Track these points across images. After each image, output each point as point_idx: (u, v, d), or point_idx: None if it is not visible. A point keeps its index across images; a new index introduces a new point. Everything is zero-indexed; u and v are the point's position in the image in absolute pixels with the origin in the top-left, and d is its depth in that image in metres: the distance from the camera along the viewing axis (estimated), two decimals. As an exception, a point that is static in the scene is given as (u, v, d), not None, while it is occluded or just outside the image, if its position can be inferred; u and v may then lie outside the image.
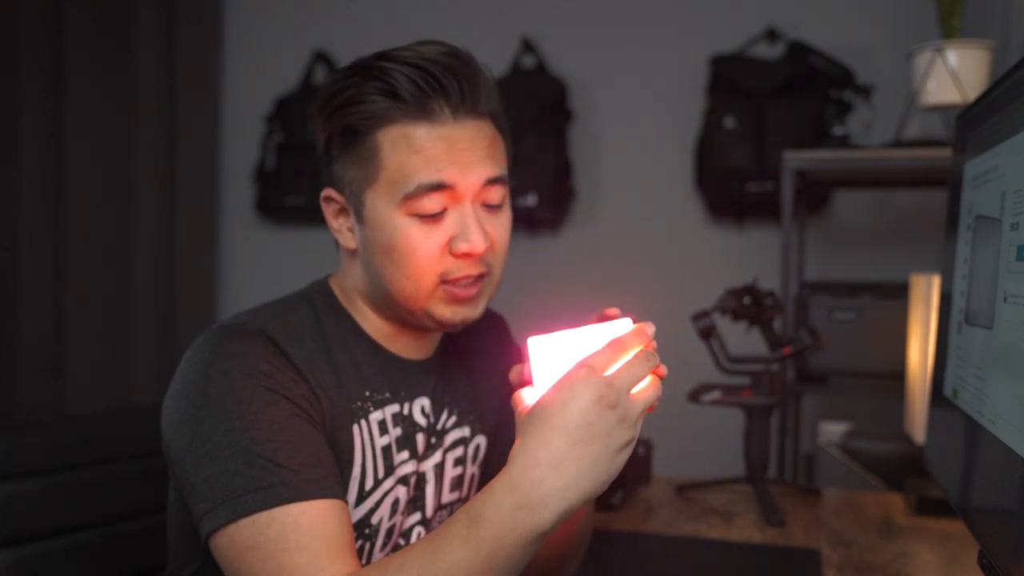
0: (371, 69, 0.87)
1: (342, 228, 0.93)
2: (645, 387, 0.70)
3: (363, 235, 0.90)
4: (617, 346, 0.70)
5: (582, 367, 0.69)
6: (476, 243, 0.87)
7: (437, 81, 0.86)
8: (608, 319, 0.76)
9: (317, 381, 0.87)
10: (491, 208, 0.91)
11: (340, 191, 0.92)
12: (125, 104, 2.83)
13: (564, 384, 0.69)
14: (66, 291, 2.87)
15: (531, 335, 0.72)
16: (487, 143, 0.89)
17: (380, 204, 0.87)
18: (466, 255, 0.87)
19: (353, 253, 0.94)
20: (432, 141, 0.86)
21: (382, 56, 0.88)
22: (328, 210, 0.94)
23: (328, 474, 0.82)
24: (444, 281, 0.88)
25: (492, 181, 0.89)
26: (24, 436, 1.03)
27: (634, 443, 0.70)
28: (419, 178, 0.85)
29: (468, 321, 0.92)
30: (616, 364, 0.70)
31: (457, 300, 0.90)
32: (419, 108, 0.86)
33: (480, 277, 0.90)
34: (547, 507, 0.68)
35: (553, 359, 0.72)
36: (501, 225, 0.92)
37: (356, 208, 0.90)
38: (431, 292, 0.89)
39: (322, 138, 0.92)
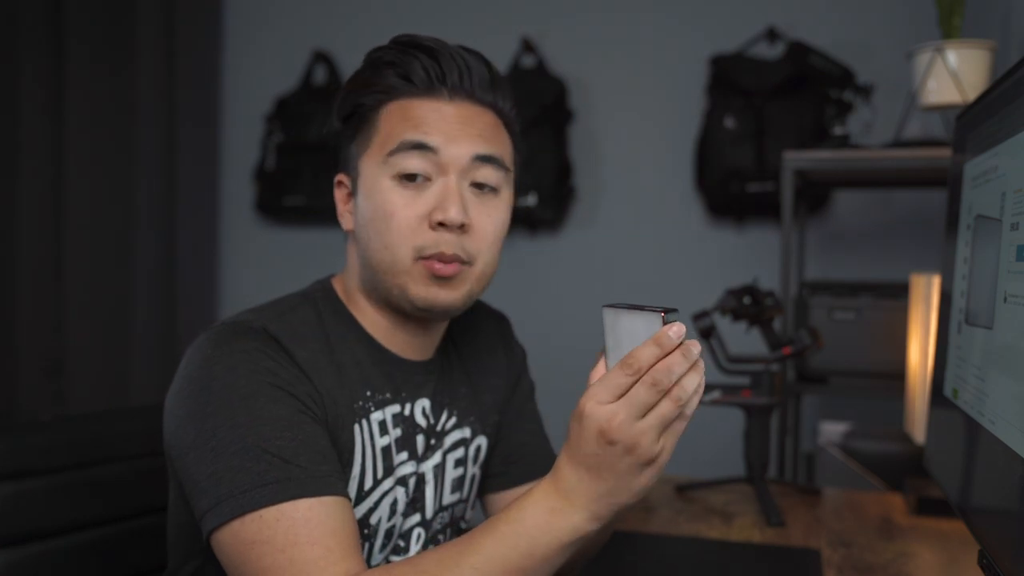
0: (386, 53, 0.92)
1: (345, 212, 0.95)
2: (659, 410, 0.66)
3: (357, 208, 0.92)
4: (625, 369, 0.66)
5: (587, 400, 0.68)
6: (453, 215, 0.86)
7: (439, 64, 0.90)
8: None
9: (320, 380, 0.87)
10: (481, 190, 0.91)
11: (347, 174, 0.95)
12: (125, 104, 2.83)
13: (575, 414, 0.69)
14: (66, 291, 2.87)
15: (605, 305, 0.71)
16: (481, 126, 0.91)
17: (371, 168, 0.90)
18: (441, 224, 0.87)
19: (352, 236, 0.95)
20: (424, 111, 0.89)
21: (397, 40, 0.93)
22: (339, 195, 0.96)
23: (333, 471, 0.82)
24: (419, 257, 0.88)
25: (482, 159, 0.89)
26: (24, 436, 1.03)
27: (659, 458, 0.68)
28: (402, 136, 0.88)
29: (446, 307, 0.90)
30: (623, 388, 0.67)
31: (433, 277, 0.88)
32: (422, 87, 0.90)
33: (457, 261, 0.89)
34: (579, 514, 0.70)
35: (622, 331, 0.70)
36: (489, 213, 0.91)
37: (355, 181, 0.93)
38: (407, 267, 0.88)
39: (336, 125, 0.95)
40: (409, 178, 0.88)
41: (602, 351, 0.75)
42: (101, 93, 2.85)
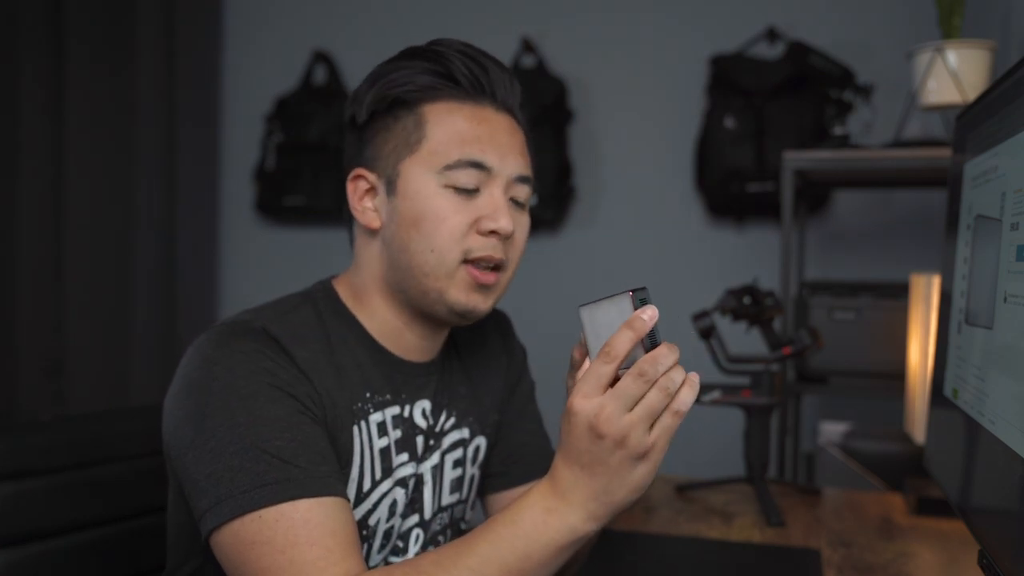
0: (425, 52, 0.92)
1: (366, 209, 0.94)
2: (647, 400, 0.67)
3: (392, 207, 0.91)
4: (604, 358, 0.68)
5: (574, 396, 0.69)
6: (504, 224, 0.89)
7: (486, 71, 0.91)
8: None
9: (320, 381, 0.87)
10: (517, 205, 0.94)
11: (372, 169, 0.93)
12: (125, 104, 2.83)
13: (565, 413, 0.70)
14: (66, 291, 2.87)
15: (580, 306, 0.71)
16: (519, 144, 0.94)
17: (418, 172, 0.90)
18: (493, 233, 0.89)
19: (374, 234, 0.94)
20: (477, 122, 0.90)
21: (435, 42, 0.93)
22: (354, 191, 0.94)
23: (333, 472, 0.82)
24: (466, 260, 0.89)
25: (522, 179, 0.93)
26: (24, 436, 1.03)
27: (651, 453, 0.68)
28: (462, 152, 0.89)
29: (477, 313, 0.92)
30: (608, 379, 0.68)
31: (475, 284, 0.90)
32: (468, 90, 0.90)
33: (498, 267, 0.91)
34: (575, 514, 0.70)
35: (599, 324, 0.71)
36: (522, 225, 0.95)
37: (390, 180, 0.91)
38: (452, 270, 0.89)
39: (364, 116, 0.93)
40: (462, 190, 0.89)
41: (578, 346, 0.76)
42: (101, 93, 2.85)
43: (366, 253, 0.95)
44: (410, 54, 0.93)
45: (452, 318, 0.93)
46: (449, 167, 0.89)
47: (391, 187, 0.91)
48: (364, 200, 0.94)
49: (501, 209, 0.90)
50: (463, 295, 0.90)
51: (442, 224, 0.88)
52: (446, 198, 0.89)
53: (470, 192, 0.89)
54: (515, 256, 0.94)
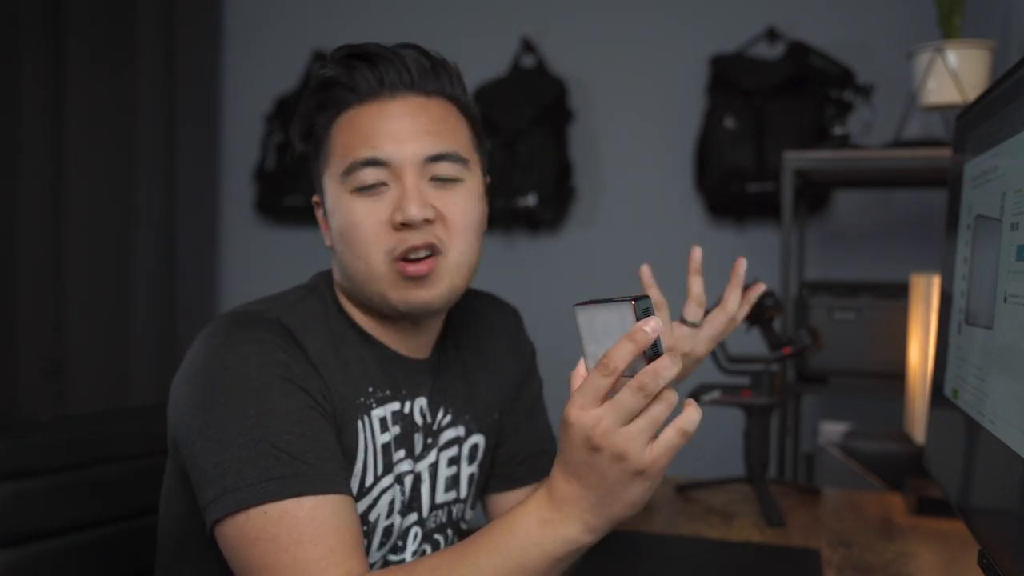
0: (330, 68, 0.91)
1: (325, 231, 0.96)
2: (650, 413, 0.65)
3: (330, 224, 0.93)
4: (602, 371, 0.65)
5: (570, 407, 0.67)
6: (412, 213, 0.86)
7: (374, 64, 0.89)
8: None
9: (328, 375, 0.87)
10: (442, 183, 0.90)
11: (318, 192, 0.95)
12: (125, 104, 2.83)
13: (563, 423, 0.68)
14: (66, 291, 2.87)
15: (576, 304, 0.69)
16: (429, 119, 0.90)
17: (331, 185, 0.90)
18: (404, 225, 0.87)
19: (333, 251, 0.95)
20: (370, 118, 0.89)
21: (336, 52, 0.92)
22: (319, 215, 0.97)
23: (339, 470, 0.82)
24: (393, 259, 0.88)
25: (438, 157, 0.89)
26: (24, 436, 1.03)
27: (650, 469, 0.66)
28: (355, 154, 0.88)
29: (425, 306, 0.90)
30: (605, 391, 0.66)
31: (407, 277, 0.88)
32: (364, 92, 0.89)
33: (431, 255, 0.88)
34: (571, 526, 0.69)
35: (597, 328, 0.68)
36: (455, 201, 0.90)
37: (324, 199, 0.93)
38: (383, 273, 0.88)
39: (300, 144, 0.95)
40: (367, 188, 0.88)
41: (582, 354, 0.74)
42: (101, 93, 2.85)
43: (335, 267, 0.97)
44: (318, 75, 0.92)
45: (401, 316, 0.92)
46: (347, 172, 0.88)
47: (324, 205, 0.94)
48: (327, 220, 0.96)
49: (409, 197, 0.87)
50: (397, 293, 0.89)
51: (358, 229, 0.88)
52: (356, 203, 0.88)
53: (377, 190, 0.88)
54: (454, 237, 0.90)
